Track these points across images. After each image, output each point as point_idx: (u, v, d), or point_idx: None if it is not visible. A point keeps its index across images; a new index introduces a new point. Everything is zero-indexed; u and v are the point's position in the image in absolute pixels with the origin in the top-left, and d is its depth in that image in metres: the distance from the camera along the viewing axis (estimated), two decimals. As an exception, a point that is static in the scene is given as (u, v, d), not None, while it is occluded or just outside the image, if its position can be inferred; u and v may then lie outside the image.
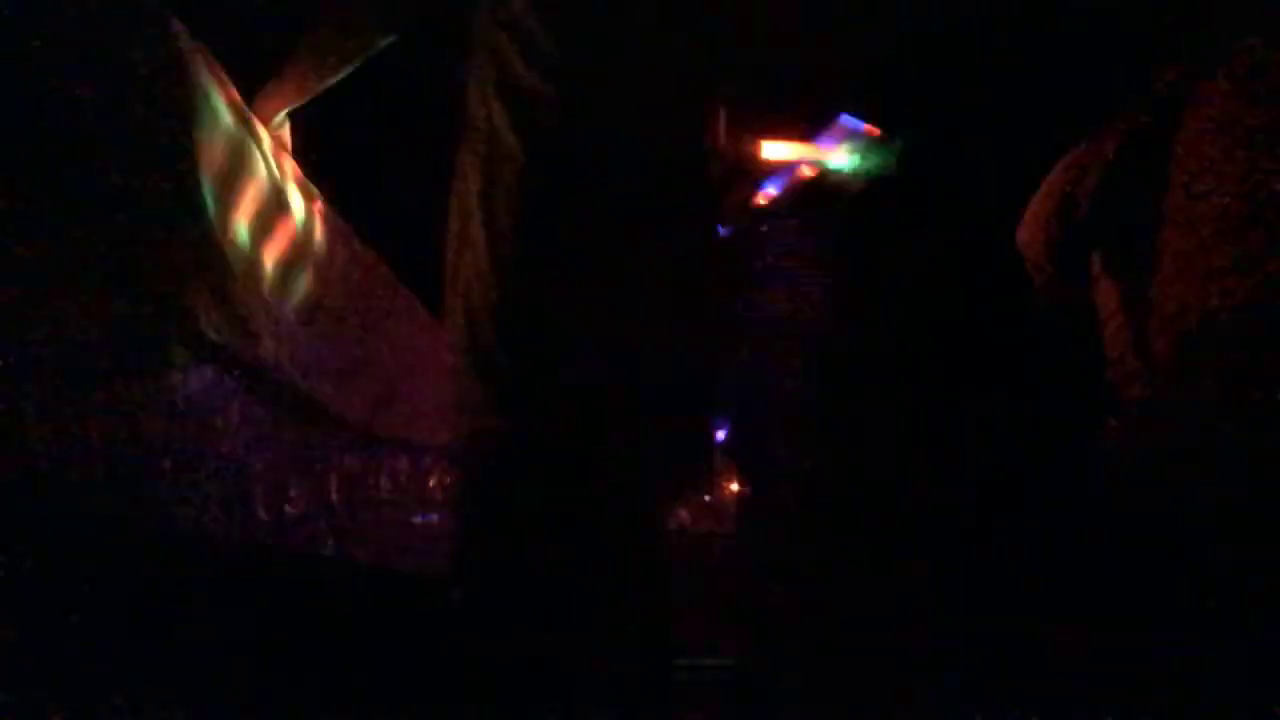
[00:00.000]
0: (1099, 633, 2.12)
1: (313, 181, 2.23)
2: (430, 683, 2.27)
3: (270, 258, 1.95)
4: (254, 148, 1.88)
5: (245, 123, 1.87)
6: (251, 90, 1.96)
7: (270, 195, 1.94)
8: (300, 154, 2.18)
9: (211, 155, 1.70)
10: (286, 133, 2.10)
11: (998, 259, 2.44)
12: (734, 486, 5.27)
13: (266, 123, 1.99)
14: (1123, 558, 2.06)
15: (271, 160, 1.96)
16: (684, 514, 5.67)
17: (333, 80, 2.00)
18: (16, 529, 1.32)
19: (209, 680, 1.76)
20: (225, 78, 1.81)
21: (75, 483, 1.43)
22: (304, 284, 2.13)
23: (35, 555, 1.33)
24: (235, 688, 1.85)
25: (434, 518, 3.29)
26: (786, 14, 2.08)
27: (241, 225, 1.82)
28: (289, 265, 2.04)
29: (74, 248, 1.42)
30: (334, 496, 2.47)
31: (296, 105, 2.06)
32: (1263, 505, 1.86)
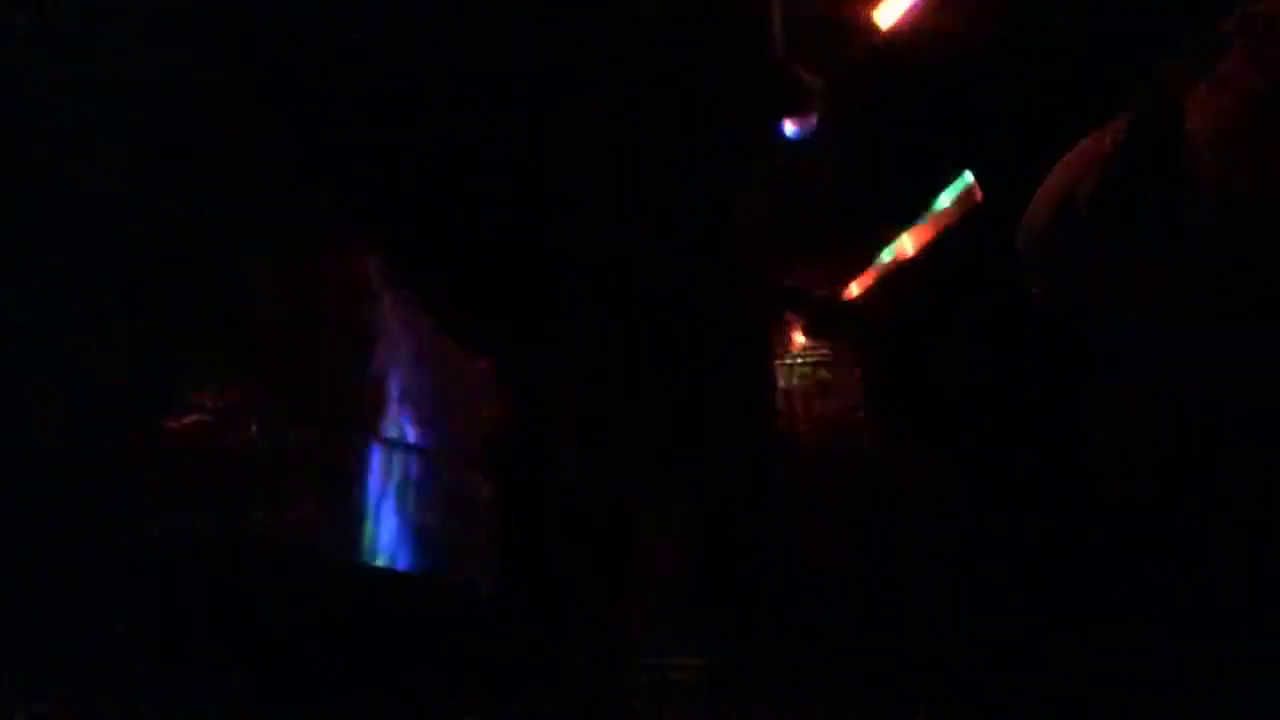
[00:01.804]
0: (1098, 633, 2.12)
1: (308, 177, 2.23)
2: (429, 682, 2.27)
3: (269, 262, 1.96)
4: None
5: None
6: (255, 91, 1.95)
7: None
8: (298, 151, 2.18)
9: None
10: None
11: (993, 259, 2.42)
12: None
13: None
14: (1122, 558, 2.06)
15: None
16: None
17: None
18: (16, 529, 1.32)
19: (208, 679, 1.76)
20: None
21: (76, 483, 1.43)
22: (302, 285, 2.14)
23: (35, 555, 1.32)
24: (235, 687, 1.84)
25: (435, 517, 3.28)
26: None
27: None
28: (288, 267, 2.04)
29: (85, 265, 1.43)
30: (333, 496, 2.47)
31: None
32: (1262, 503, 1.86)
